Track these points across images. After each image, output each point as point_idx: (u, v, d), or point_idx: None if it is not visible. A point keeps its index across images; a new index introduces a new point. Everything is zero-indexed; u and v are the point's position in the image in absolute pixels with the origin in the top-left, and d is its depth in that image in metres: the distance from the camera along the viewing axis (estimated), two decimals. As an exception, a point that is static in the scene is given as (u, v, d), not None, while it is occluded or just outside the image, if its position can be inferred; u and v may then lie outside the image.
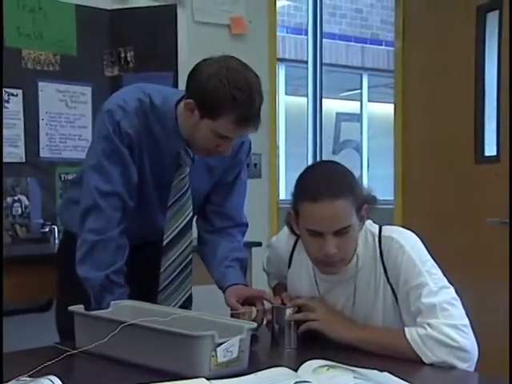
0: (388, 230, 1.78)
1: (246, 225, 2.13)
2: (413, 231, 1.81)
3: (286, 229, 1.87)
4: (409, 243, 1.74)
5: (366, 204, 1.73)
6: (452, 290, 1.70)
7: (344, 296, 1.81)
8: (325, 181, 1.68)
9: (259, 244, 2.91)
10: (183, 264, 1.99)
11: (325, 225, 1.66)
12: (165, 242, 1.97)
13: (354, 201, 1.67)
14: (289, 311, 1.76)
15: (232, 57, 1.81)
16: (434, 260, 1.76)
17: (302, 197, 1.69)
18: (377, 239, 1.77)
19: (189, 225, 1.98)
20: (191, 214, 1.98)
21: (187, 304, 2.00)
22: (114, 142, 1.84)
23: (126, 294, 1.85)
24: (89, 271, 1.85)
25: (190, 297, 2.02)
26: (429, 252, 1.77)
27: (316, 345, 1.74)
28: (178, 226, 1.97)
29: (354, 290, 1.79)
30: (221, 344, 1.43)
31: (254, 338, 1.61)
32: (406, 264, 1.70)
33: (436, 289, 1.67)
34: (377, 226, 1.80)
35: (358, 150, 10.02)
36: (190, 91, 1.81)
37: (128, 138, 1.85)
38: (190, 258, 2.00)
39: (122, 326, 1.50)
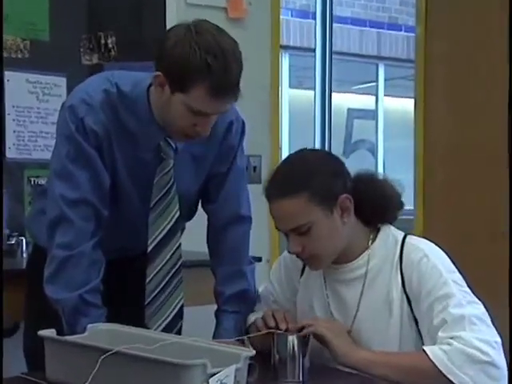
0: (413, 239, 1.84)
1: (249, 219, 2.11)
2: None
3: None
4: (434, 253, 1.79)
5: (344, 194, 1.79)
6: (482, 306, 1.73)
7: (350, 298, 1.84)
8: (276, 178, 1.83)
9: (259, 259, 2.91)
10: (172, 271, 1.99)
11: (279, 224, 1.82)
12: (149, 248, 1.97)
13: (312, 195, 1.75)
14: (291, 338, 1.75)
15: (205, 20, 1.81)
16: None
17: None
18: (399, 244, 1.81)
19: (176, 226, 1.98)
20: (178, 213, 1.98)
21: (178, 318, 2.00)
22: (79, 142, 1.85)
23: (103, 316, 1.85)
24: (59, 292, 1.85)
25: (181, 310, 2.02)
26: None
27: (321, 376, 1.74)
28: (164, 228, 1.97)
29: (361, 291, 1.82)
30: (214, 374, 1.44)
31: (252, 368, 1.61)
32: (431, 273, 1.73)
33: (464, 302, 1.70)
34: (402, 233, 1.86)
35: (373, 151, 10.06)
36: (157, 62, 1.81)
37: (94, 136, 1.85)
38: (179, 263, 2.00)
39: (102, 357, 1.50)
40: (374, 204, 1.83)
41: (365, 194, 1.82)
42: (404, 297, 1.77)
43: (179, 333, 1.98)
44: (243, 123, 2.06)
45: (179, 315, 2.01)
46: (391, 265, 1.80)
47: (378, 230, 1.86)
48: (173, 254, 1.99)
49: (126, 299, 2.04)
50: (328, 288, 1.89)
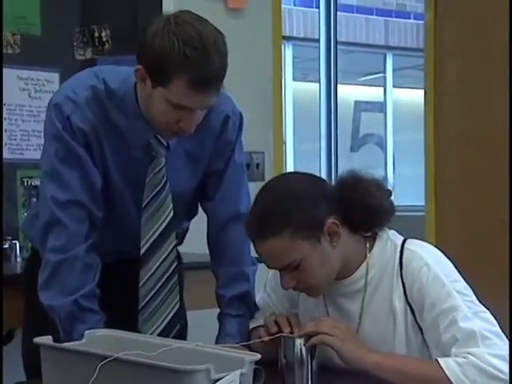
0: (413, 244, 1.82)
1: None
2: (448, 244, 1.83)
3: None
4: (435, 260, 1.78)
5: (330, 219, 1.76)
6: (490, 316, 1.72)
7: (352, 310, 1.84)
8: (254, 217, 1.81)
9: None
10: (166, 274, 1.99)
11: (267, 263, 1.82)
12: (142, 251, 1.98)
13: (295, 231, 1.73)
14: (299, 341, 1.75)
15: (187, 11, 1.82)
16: (473, 280, 1.79)
17: None
18: (398, 250, 1.80)
19: (170, 227, 1.99)
20: (171, 213, 1.99)
21: (176, 321, 2.01)
22: (67, 141, 1.86)
23: (101, 321, 1.86)
24: (54, 297, 1.86)
25: (179, 313, 2.02)
26: (464, 271, 1.79)
27: (329, 381, 1.75)
28: (156, 230, 1.98)
29: (362, 304, 1.82)
30: (218, 380, 1.44)
31: (258, 373, 1.61)
32: (433, 284, 1.73)
33: (471, 314, 1.69)
34: (401, 238, 1.84)
35: (382, 145, 10.02)
36: (138, 56, 1.82)
37: (82, 135, 1.87)
38: (174, 266, 2.00)
39: (100, 364, 1.50)
40: (363, 211, 1.79)
41: (352, 202, 1.79)
42: (407, 306, 1.77)
43: (176, 338, 1.98)
44: (241, 116, 2.06)
45: (175, 320, 2.01)
46: (391, 273, 1.80)
47: (375, 236, 1.84)
48: (167, 256, 1.99)
49: (123, 304, 2.04)
50: (328, 303, 1.89)
